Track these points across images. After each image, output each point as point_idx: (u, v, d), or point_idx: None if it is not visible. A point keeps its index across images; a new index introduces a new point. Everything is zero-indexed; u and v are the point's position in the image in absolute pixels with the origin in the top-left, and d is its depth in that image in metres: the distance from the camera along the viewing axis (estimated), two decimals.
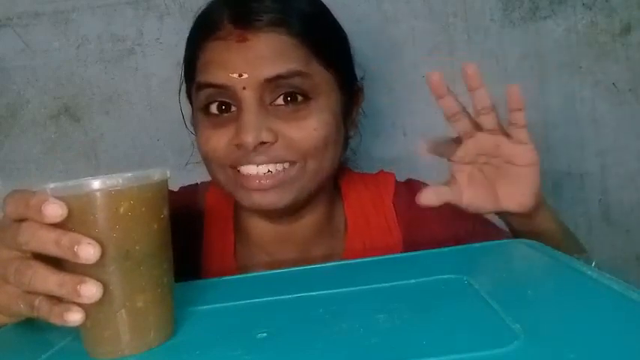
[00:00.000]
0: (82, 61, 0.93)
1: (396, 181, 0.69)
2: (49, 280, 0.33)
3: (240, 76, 0.53)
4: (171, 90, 0.90)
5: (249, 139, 0.52)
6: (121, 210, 0.33)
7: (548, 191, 0.57)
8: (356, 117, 0.65)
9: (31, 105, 0.94)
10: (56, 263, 0.34)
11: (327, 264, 0.51)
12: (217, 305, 0.43)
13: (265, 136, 0.53)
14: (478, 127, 0.52)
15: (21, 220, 0.34)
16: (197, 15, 0.61)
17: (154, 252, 0.35)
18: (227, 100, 0.56)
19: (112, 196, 0.33)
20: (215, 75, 0.55)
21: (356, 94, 0.65)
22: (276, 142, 0.54)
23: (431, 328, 0.33)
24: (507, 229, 0.65)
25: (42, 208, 0.32)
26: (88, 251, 0.31)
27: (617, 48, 0.89)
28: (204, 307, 0.42)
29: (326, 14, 0.61)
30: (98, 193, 0.33)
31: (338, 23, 0.62)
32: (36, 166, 0.95)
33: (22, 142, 0.95)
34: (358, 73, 0.66)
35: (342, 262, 0.52)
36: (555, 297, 0.36)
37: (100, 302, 0.33)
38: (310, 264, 0.51)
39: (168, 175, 0.37)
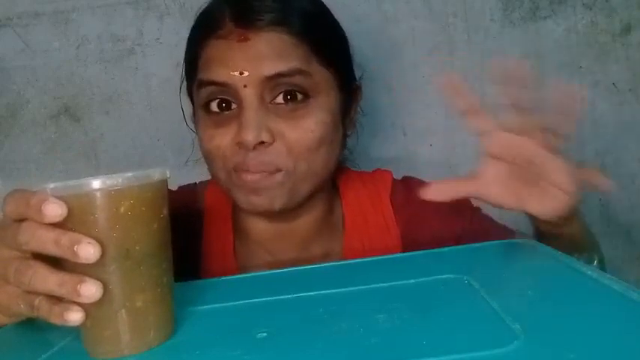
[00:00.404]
0: (82, 61, 0.93)
1: (393, 178, 0.69)
2: (49, 279, 0.33)
3: (241, 74, 0.54)
4: (171, 90, 0.91)
5: (250, 137, 0.53)
6: (121, 210, 0.33)
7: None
8: (354, 116, 0.65)
9: (31, 105, 0.94)
10: (56, 263, 0.34)
11: (327, 264, 0.51)
12: (217, 305, 0.43)
13: (265, 137, 0.54)
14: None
15: (21, 220, 0.34)
16: (198, 13, 0.61)
17: (154, 252, 0.35)
18: (228, 98, 0.56)
19: (112, 195, 0.33)
20: (216, 73, 0.55)
21: (354, 92, 0.65)
22: (273, 142, 0.55)
23: (431, 328, 0.33)
24: (510, 227, 0.65)
25: (42, 207, 0.32)
26: (87, 251, 0.31)
27: (617, 48, 0.89)
28: (204, 307, 0.42)
29: (326, 14, 0.62)
30: (98, 193, 0.33)
31: (337, 22, 0.62)
32: (36, 166, 0.95)
33: (22, 142, 0.95)
34: (357, 72, 0.66)
35: (342, 262, 0.52)
36: (555, 297, 0.36)
37: (100, 302, 0.33)
38: (309, 262, 0.52)
39: (168, 175, 0.37)
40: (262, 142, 0.54)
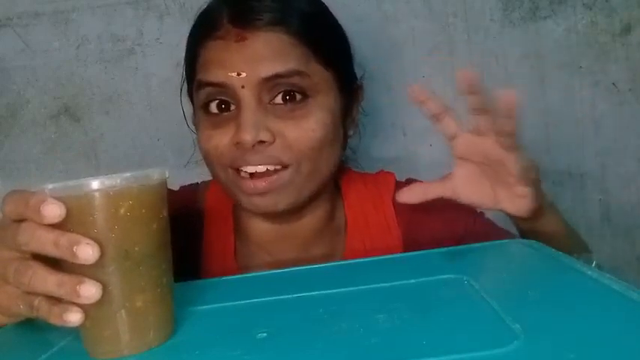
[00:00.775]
0: (82, 61, 0.93)
1: (396, 180, 0.69)
2: (49, 280, 0.33)
3: (239, 75, 0.54)
4: (171, 90, 0.91)
5: (248, 137, 0.53)
6: (120, 210, 0.33)
7: (548, 191, 0.57)
8: (356, 116, 0.65)
9: (31, 105, 0.94)
10: (56, 264, 0.34)
11: (327, 264, 0.51)
12: (217, 305, 0.43)
13: (263, 136, 0.54)
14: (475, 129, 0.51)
15: (20, 221, 0.34)
16: (197, 14, 0.61)
17: (153, 252, 0.35)
18: (226, 99, 0.56)
19: (111, 196, 0.33)
20: (214, 74, 0.55)
21: (356, 92, 0.65)
22: (273, 141, 0.55)
23: (431, 328, 0.33)
24: (511, 232, 0.65)
25: (41, 208, 0.32)
26: (86, 251, 0.31)
27: (617, 48, 0.89)
28: (204, 307, 0.42)
29: (325, 13, 0.61)
30: (97, 194, 0.33)
31: (337, 22, 0.62)
32: (36, 166, 0.95)
33: (22, 142, 0.95)
34: (358, 71, 0.66)
35: (342, 262, 0.52)
36: (555, 297, 0.36)
37: (100, 302, 0.33)
38: (311, 263, 0.51)
39: (167, 176, 0.37)
40: (262, 142, 0.54)
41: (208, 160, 0.59)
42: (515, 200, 0.52)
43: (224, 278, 0.51)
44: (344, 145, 0.64)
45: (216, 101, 0.56)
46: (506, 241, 0.53)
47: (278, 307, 0.41)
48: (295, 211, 0.61)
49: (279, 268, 0.51)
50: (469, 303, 0.36)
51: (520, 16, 0.89)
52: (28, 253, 0.34)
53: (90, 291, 0.32)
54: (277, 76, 0.54)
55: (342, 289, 0.42)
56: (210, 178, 0.64)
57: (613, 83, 0.90)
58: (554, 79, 0.90)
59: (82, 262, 0.31)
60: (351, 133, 0.65)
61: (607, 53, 0.89)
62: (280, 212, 0.57)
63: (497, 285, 0.39)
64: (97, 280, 0.32)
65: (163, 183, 0.37)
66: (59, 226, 0.32)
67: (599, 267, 0.42)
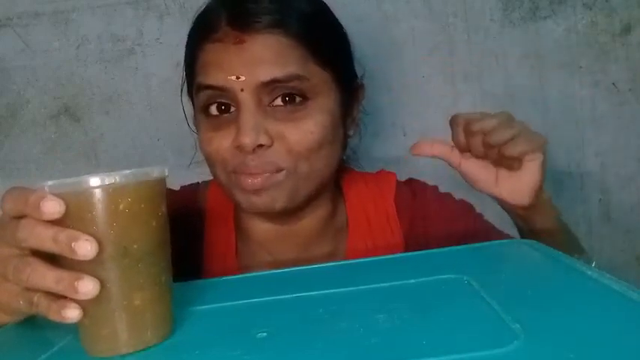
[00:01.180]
0: (82, 61, 0.93)
1: (397, 180, 0.69)
2: (47, 276, 0.33)
3: (238, 78, 0.54)
4: (171, 90, 0.91)
5: (248, 140, 0.53)
6: (119, 207, 0.33)
7: (548, 191, 0.57)
8: (357, 115, 0.65)
9: (31, 105, 0.94)
10: (55, 261, 0.34)
11: (327, 264, 0.51)
12: (217, 305, 0.43)
13: (262, 139, 0.54)
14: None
15: (19, 217, 0.34)
16: (195, 16, 0.61)
17: (152, 250, 0.35)
18: (226, 101, 0.56)
19: (110, 193, 0.33)
20: (213, 77, 0.55)
21: (356, 92, 0.65)
22: (272, 145, 0.55)
23: (431, 328, 0.33)
24: (509, 233, 0.65)
25: (40, 204, 0.32)
26: (85, 247, 0.31)
27: (617, 48, 0.89)
28: (204, 306, 0.42)
29: (325, 13, 0.61)
30: (96, 190, 0.33)
31: (337, 21, 0.62)
32: (36, 166, 0.95)
33: (22, 142, 0.95)
34: (358, 70, 0.66)
35: (342, 262, 0.52)
36: (555, 297, 0.36)
37: (98, 300, 0.33)
38: (312, 263, 0.51)
39: (167, 174, 0.37)
40: (261, 145, 0.54)
41: (209, 161, 0.59)
42: (515, 188, 0.55)
43: (224, 278, 0.51)
44: (344, 144, 0.64)
45: (216, 103, 0.56)
46: (506, 241, 0.53)
47: (278, 307, 0.41)
48: (296, 211, 0.61)
49: (280, 267, 0.51)
50: (469, 303, 0.36)
51: (520, 16, 0.89)
52: (28, 250, 0.35)
53: (87, 287, 0.32)
54: (276, 80, 0.54)
55: (342, 289, 0.42)
56: (209, 177, 0.64)
57: (613, 83, 0.90)
58: (554, 79, 0.90)
59: (81, 258, 0.32)
60: (351, 132, 0.65)
61: (607, 53, 0.89)
62: (278, 212, 0.57)
63: (497, 285, 0.39)
64: (96, 277, 0.32)
65: (163, 181, 0.37)
66: (58, 222, 0.32)
67: (598, 267, 0.42)
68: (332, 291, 0.42)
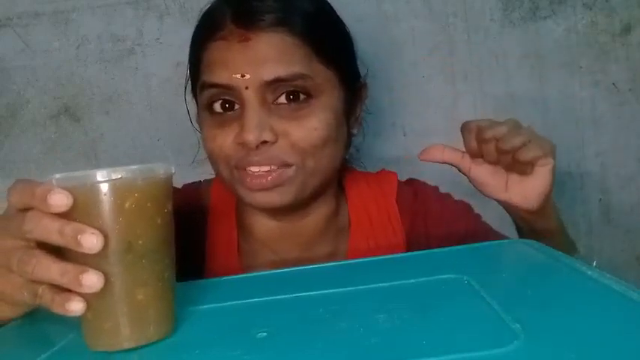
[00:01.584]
0: (82, 61, 0.93)
1: (399, 180, 0.69)
2: (52, 268, 0.33)
3: (243, 76, 0.54)
4: (172, 90, 0.91)
5: (252, 137, 0.53)
6: (126, 203, 0.33)
7: None
8: (360, 114, 0.65)
9: (31, 105, 0.94)
10: (59, 255, 0.34)
11: (327, 264, 0.51)
12: (217, 305, 0.43)
13: (266, 136, 0.54)
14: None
15: (25, 210, 0.34)
16: (200, 14, 0.61)
17: (157, 246, 0.35)
18: (231, 99, 0.56)
19: (117, 188, 0.33)
20: (218, 75, 0.55)
21: (359, 91, 0.65)
22: (276, 141, 0.55)
23: (431, 328, 0.33)
24: (507, 233, 0.65)
25: (47, 197, 0.32)
26: (91, 240, 0.32)
27: (617, 48, 0.89)
28: (204, 306, 0.42)
29: (329, 12, 0.61)
30: (103, 185, 0.33)
31: (341, 21, 0.62)
32: (36, 166, 0.95)
33: (22, 142, 0.95)
34: (361, 70, 0.66)
35: (342, 262, 0.52)
36: (555, 297, 0.36)
37: (102, 294, 0.33)
38: (314, 262, 0.52)
39: (173, 171, 0.37)
40: (265, 142, 0.54)
41: (212, 158, 0.59)
42: (526, 192, 0.55)
43: (224, 278, 0.51)
44: (348, 143, 0.64)
45: (220, 101, 0.57)
46: (507, 241, 0.53)
47: (278, 306, 0.41)
48: (299, 210, 0.61)
49: (282, 266, 0.51)
50: (469, 303, 0.36)
51: (520, 16, 0.89)
52: (33, 242, 0.35)
53: (92, 280, 0.32)
54: (280, 79, 0.54)
55: (342, 289, 0.42)
56: (210, 176, 0.64)
57: (613, 83, 0.90)
58: (554, 79, 0.90)
59: (86, 251, 0.32)
60: (354, 131, 0.65)
61: (607, 53, 0.89)
62: (282, 209, 0.58)
63: (497, 285, 0.39)
64: (100, 271, 0.33)
65: (169, 178, 0.37)
66: (64, 216, 0.33)
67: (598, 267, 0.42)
68: (332, 291, 0.42)
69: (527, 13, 0.89)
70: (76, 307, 0.33)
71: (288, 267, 0.51)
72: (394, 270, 0.47)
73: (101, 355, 0.35)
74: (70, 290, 0.33)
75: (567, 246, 0.61)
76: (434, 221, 0.66)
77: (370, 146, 0.90)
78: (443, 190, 0.71)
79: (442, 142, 0.58)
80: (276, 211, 0.61)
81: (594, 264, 0.43)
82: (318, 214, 0.64)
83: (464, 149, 0.57)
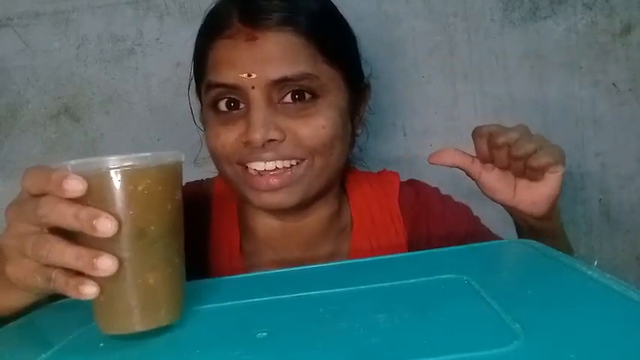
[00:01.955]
0: (82, 61, 0.93)
1: (400, 180, 0.69)
2: (66, 252, 0.33)
3: (249, 76, 0.54)
4: (172, 90, 0.91)
5: (258, 136, 0.53)
6: (139, 188, 0.34)
7: None
8: (363, 114, 0.65)
9: (31, 105, 0.94)
10: (71, 240, 0.34)
11: (327, 264, 0.51)
12: (217, 304, 0.43)
13: (273, 134, 0.54)
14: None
15: (39, 195, 0.34)
16: (206, 13, 0.61)
17: (167, 232, 0.36)
18: (236, 98, 0.56)
19: (131, 174, 0.34)
20: (225, 75, 0.55)
21: (363, 91, 0.65)
22: (284, 139, 0.55)
23: (431, 328, 0.33)
24: (504, 238, 0.66)
25: (63, 183, 0.33)
26: (106, 225, 0.32)
27: (617, 48, 0.89)
28: (205, 306, 0.42)
29: (334, 13, 0.61)
30: (118, 171, 0.33)
31: (346, 21, 0.62)
32: None
33: (22, 142, 0.95)
34: (365, 70, 0.66)
35: (342, 262, 0.52)
36: (555, 297, 0.36)
37: (114, 278, 0.33)
38: (316, 261, 0.52)
39: (183, 159, 0.38)
40: (272, 141, 0.54)
41: (215, 156, 0.59)
42: (534, 198, 0.55)
43: (224, 278, 0.51)
44: (352, 143, 0.64)
45: (226, 99, 0.57)
46: (507, 241, 0.53)
47: (278, 306, 0.41)
48: (302, 209, 0.61)
49: (284, 266, 0.51)
50: (469, 303, 0.36)
51: (520, 16, 0.89)
52: (46, 227, 0.35)
53: (106, 264, 0.33)
54: (286, 79, 0.54)
55: (342, 289, 0.42)
56: (214, 175, 0.64)
57: (613, 83, 0.90)
58: (554, 79, 0.90)
59: (101, 235, 0.32)
60: (358, 131, 0.65)
61: (607, 53, 0.89)
62: (287, 209, 0.58)
63: (497, 285, 0.39)
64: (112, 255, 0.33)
65: (179, 165, 0.38)
66: (78, 201, 0.33)
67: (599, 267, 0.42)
68: (332, 291, 0.42)
69: (528, 13, 0.89)
70: (90, 290, 0.33)
71: (289, 267, 0.51)
72: (394, 270, 0.47)
73: (101, 355, 0.35)
74: (82, 274, 0.34)
75: (566, 246, 0.61)
76: (436, 222, 0.67)
77: (370, 146, 0.89)
78: (442, 190, 0.71)
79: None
80: (279, 211, 0.61)
81: (595, 264, 0.43)
82: (321, 214, 0.64)
83: (468, 152, 0.56)
